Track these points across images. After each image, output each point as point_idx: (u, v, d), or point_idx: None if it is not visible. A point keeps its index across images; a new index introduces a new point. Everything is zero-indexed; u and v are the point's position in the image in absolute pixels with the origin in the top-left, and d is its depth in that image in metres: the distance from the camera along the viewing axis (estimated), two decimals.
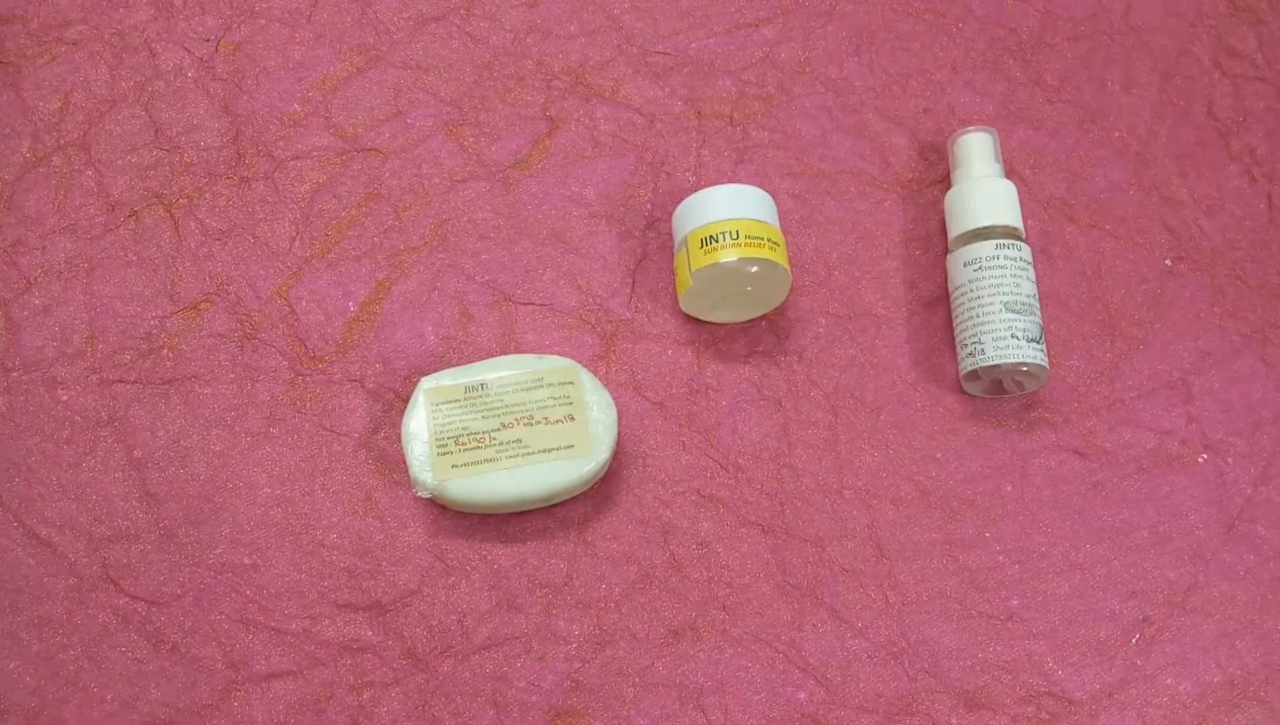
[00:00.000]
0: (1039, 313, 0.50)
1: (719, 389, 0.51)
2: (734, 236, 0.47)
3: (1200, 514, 0.51)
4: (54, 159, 0.53)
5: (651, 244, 0.53)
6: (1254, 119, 0.59)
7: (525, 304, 0.52)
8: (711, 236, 0.48)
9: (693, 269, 0.48)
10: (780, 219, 0.55)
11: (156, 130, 0.54)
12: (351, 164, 0.54)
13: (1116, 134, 0.58)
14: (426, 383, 0.47)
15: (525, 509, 0.48)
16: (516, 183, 0.54)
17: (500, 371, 0.48)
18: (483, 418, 0.47)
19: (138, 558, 0.47)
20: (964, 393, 0.52)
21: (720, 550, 0.49)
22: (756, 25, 0.58)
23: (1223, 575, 0.50)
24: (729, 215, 0.48)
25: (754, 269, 0.47)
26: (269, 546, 0.48)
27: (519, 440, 0.46)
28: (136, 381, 0.50)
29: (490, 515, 0.49)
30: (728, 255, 0.47)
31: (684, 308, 0.50)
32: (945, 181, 0.56)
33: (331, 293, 0.52)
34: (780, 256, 0.48)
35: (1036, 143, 0.57)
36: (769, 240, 0.48)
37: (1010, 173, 0.56)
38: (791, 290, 0.53)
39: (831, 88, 0.57)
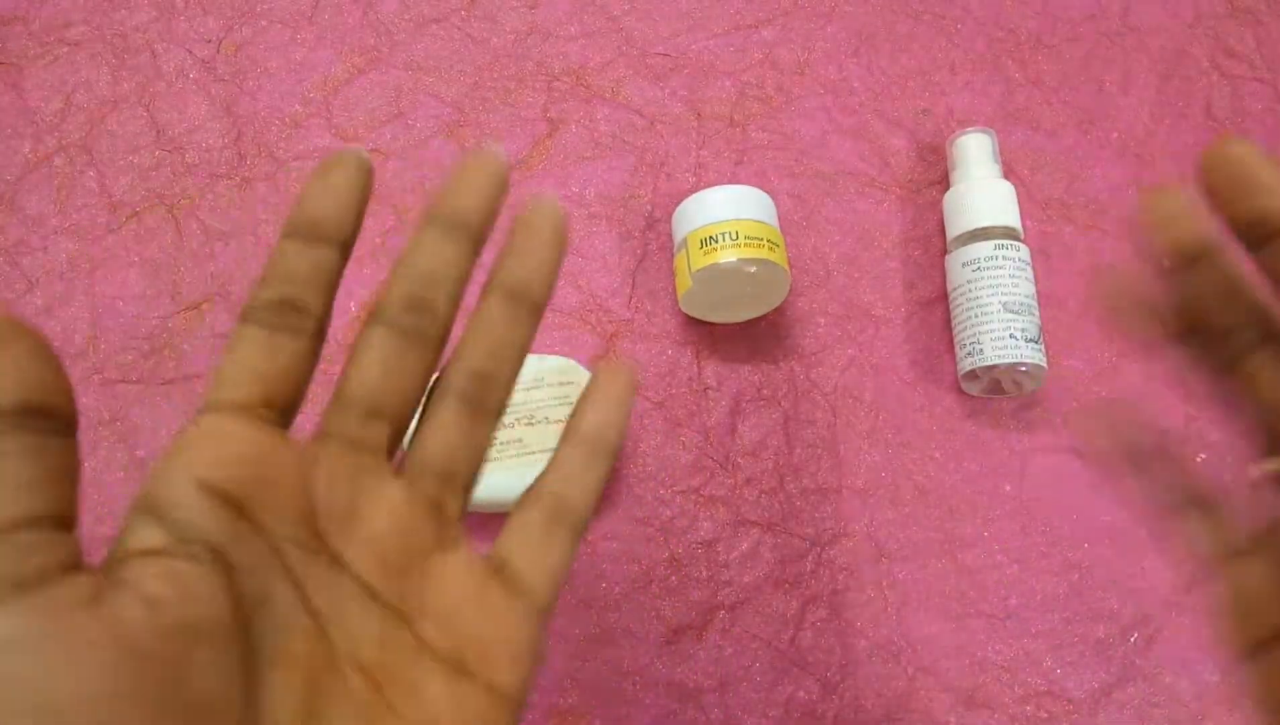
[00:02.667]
0: (1037, 313, 0.51)
1: (719, 389, 0.52)
2: (733, 237, 0.48)
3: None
4: (56, 160, 0.53)
5: (651, 244, 0.54)
6: (1252, 120, 0.59)
7: None
8: (711, 237, 0.48)
9: (692, 269, 0.48)
10: (780, 219, 0.55)
11: (158, 131, 0.54)
12: None
13: (1115, 135, 0.58)
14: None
15: None
16: (517, 183, 0.54)
17: None
18: None
19: None
20: (963, 392, 0.52)
21: (720, 549, 0.49)
22: (756, 27, 0.59)
23: None
24: (728, 216, 0.48)
25: (753, 269, 0.48)
26: None
27: (519, 440, 0.46)
28: (139, 381, 0.50)
29: (491, 515, 0.49)
30: (727, 256, 0.47)
31: (684, 308, 0.51)
32: (944, 182, 0.56)
33: None
34: (779, 257, 0.48)
35: (1035, 143, 0.57)
36: (768, 241, 0.48)
37: (1009, 173, 0.56)
38: (791, 290, 0.53)
39: (831, 89, 0.58)
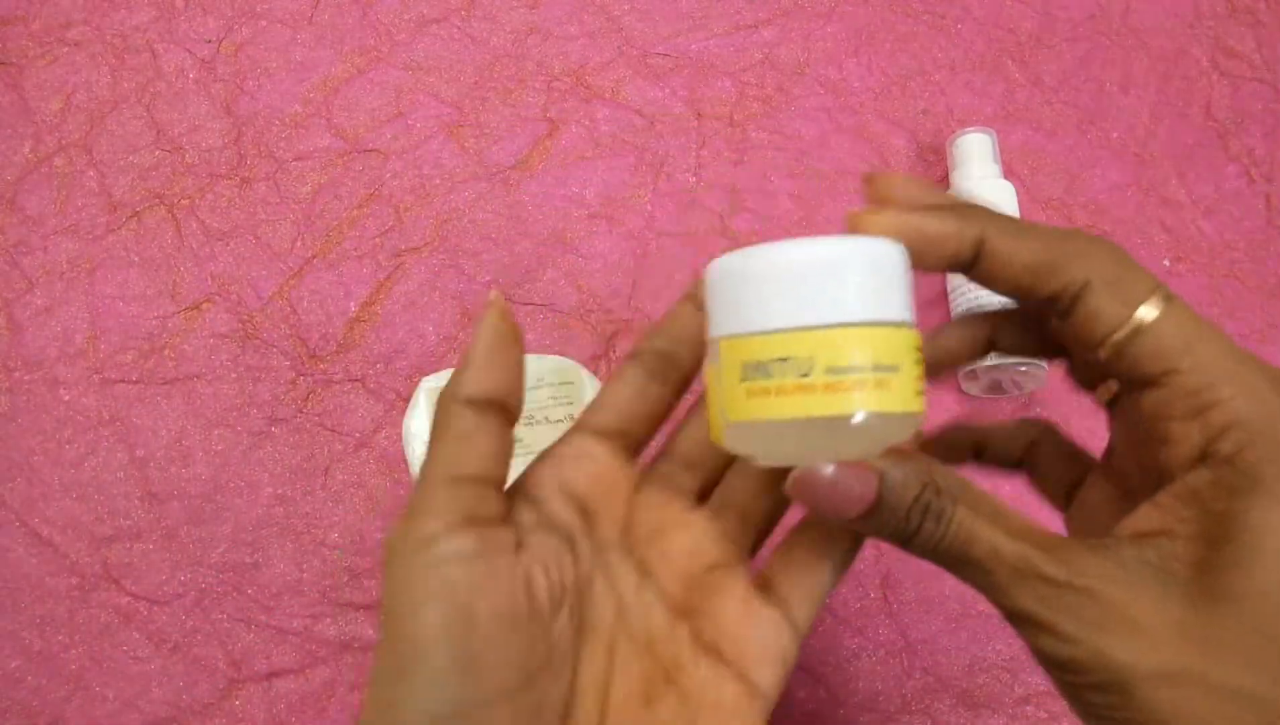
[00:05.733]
0: None
1: None
2: (803, 371, 0.23)
3: None
4: (56, 160, 0.53)
5: (651, 244, 0.54)
6: (1252, 120, 0.59)
7: (525, 304, 0.52)
8: (761, 365, 0.24)
9: (728, 417, 0.25)
10: (780, 219, 0.55)
11: (158, 131, 0.54)
12: (353, 165, 0.54)
13: (1115, 135, 0.58)
14: (428, 382, 0.47)
15: None
16: (517, 183, 0.54)
17: None
18: None
19: (139, 557, 0.47)
20: (963, 392, 0.52)
21: None
22: (756, 27, 0.59)
23: None
24: (801, 321, 0.24)
25: (859, 418, 0.24)
26: (270, 545, 0.48)
27: (519, 440, 0.47)
28: (138, 381, 0.50)
29: None
30: (788, 409, 0.24)
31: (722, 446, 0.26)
32: (944, 182, 0.56)
33: (333, 293, 0.52)
34: (902, 392, 0.24)
35: (1035, 143, 0.57)
36: (877, 366, 0.24)
37: (1009, 173, 0.56)
38: None
39: (831, 89, 0.58)
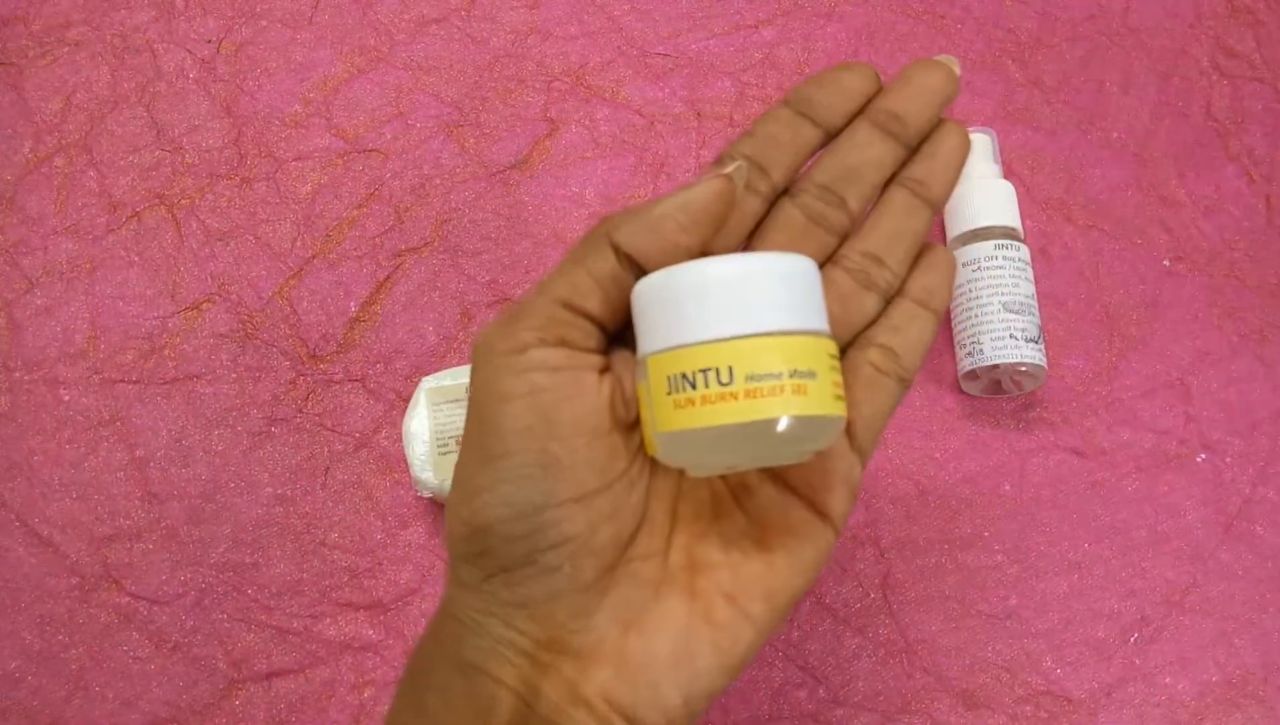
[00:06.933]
0: (1037, 313, 0.51)
1: None
2: (724, 379, 0.25)
3: (1198, 513, 0.51)
4: (56, 160, 0.53)
5: None
6: (1252, 120, 0.59)
7: None
8: (684, 377, 0.26)
9: (657, 428, 0.27)
10: None
11: (158, 131, 0.54)
12: (353, 165, 0.54)
13: (1115, 135, 0.58)
14: (428, 382, 0.47)
15: None
16: (517, 183, 0.54)
17: None
18: None
19: (140, 557, 0.47)
20: (963, 392, 0.52)
21: None
22: (756, 27, 0.59)
23: (1221, 575, 0.51)
24: (718, 333, 0.26)
25: (781, 427, 0.26)
26: (270, 545, 0.48)
27: None
28: (138, 381, 0.50)
29: None
30: (712, 417, 0.25)
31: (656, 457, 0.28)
32: None
33: (333, 293, 0.52)
34: (820, 396, 0.26)
35: (1035, 143, 0.57)
36: (793, 372, 0.26)
37: (1009, 173, 0.56)
38: None
39: None
